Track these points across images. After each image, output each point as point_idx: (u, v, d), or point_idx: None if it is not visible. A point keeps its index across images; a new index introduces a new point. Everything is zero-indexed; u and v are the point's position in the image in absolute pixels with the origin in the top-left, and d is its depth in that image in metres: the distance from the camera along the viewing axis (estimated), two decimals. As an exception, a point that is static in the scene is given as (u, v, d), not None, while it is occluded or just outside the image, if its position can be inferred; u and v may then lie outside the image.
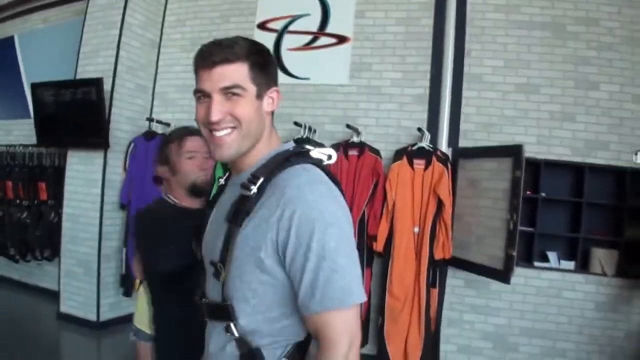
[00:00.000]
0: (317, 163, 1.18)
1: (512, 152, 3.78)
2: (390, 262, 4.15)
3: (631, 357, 4.17)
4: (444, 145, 4.39)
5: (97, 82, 4.81)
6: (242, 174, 1.20)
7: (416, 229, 4.16)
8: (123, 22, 5.01)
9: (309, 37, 4.93)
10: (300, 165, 1.14)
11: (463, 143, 4.43)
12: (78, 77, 5.15)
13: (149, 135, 4.94)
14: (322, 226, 1.04)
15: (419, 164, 4.19)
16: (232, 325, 1.14)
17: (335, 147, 4.24)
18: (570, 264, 4.31)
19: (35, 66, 6.45)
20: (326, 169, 1.19)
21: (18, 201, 5.73)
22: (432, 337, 4.15)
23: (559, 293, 4.29)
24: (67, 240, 5.03)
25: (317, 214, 1.05)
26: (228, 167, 1.33)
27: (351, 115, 4.72)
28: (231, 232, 1.13)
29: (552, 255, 4.37)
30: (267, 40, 4.97)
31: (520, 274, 4.19)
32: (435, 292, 4.20)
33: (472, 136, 4.44)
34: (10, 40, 6.84)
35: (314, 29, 4.91)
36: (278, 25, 5.04)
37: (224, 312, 1.15)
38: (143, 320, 1.97)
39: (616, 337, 4.20)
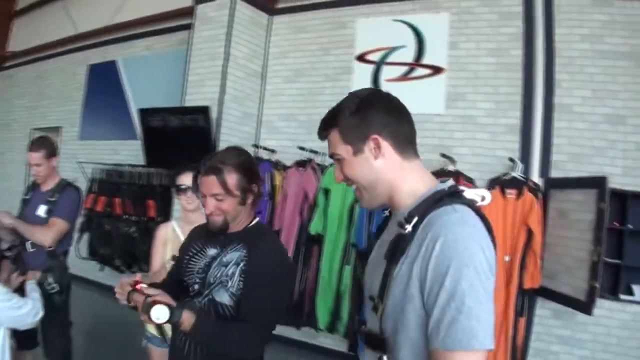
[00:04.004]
0: (470, 204, 1.20)
1: (596, 183, 3.77)
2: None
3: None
4: (535, 176, 4.41)
5: (205, 110, 5.16)
6: (400, 211, 1.26)
7: (507, 258, 4.21)
8: (228, 54, 5.35)
9: (406, 68, 5.08)
10: (452, 206, 1.16)
11: (554, 173, 4.41)
12: (185, 104, 5.54)
13: (256, 161, 5.18)
14: (458, 265, 1.06)
15: (511, 193, 4.26)
16: (385, 357, 1.21)
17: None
18: (657, 298, 4.13)
19: (141, 91, 6.97)
20: (479, 211, 1.20)
21: (126, 216, 6.10)
22: (517, 365, 4.18)
23: (642, 327, 4.14)
24: (172, 256, 5.37)
25: (454, 253, 1.07)
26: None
27: (447, 144, 4.76)
28: (388, 270, 1.18)
29: (637, 289, 4.19)
30: (366, 71, 5.22)
31: (605, 306, 4.08)
32: (522, 320, 4.23)
33: (563, 167, 4.40)
34: (112, 64, 7.41)
35: (410, 60, 5.06)
36: (376, 57, 5.22)
37: (380, 344, 1.22)
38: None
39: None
